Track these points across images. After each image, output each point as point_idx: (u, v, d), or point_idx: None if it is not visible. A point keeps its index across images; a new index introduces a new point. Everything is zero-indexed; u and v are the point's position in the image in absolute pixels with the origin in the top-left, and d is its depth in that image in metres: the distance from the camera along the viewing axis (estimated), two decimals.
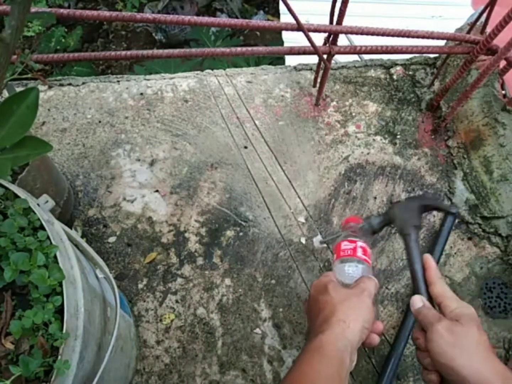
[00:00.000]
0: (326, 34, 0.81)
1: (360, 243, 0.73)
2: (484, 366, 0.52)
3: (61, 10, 0.66)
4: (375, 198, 0.92)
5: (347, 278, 0.69)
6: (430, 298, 0.61)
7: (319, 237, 0.87)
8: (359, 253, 0.72)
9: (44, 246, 0.49)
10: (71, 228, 0.78)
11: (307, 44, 0.76)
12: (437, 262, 0.84)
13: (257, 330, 0.80)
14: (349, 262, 0.71)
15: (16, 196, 0.53)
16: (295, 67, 1.06)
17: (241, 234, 0.88)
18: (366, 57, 1.09)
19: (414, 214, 0.70)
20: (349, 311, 0.59)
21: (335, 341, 0.55)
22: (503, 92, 0.92)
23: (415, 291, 0.64)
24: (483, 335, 0.55)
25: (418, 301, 0.61)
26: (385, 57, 1.06)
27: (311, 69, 1.05)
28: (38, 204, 0.55)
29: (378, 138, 0.98)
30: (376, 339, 0.62)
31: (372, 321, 0.60)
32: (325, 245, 0.86)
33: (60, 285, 0.47)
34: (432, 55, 1.06)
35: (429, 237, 0.89)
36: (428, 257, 0.65)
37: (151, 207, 0.89)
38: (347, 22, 0.76)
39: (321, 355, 0.55)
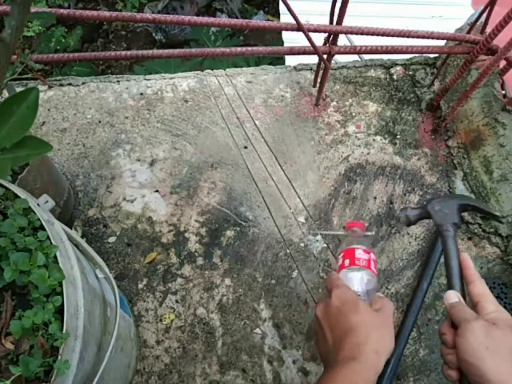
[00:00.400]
0: (326, 34, 0.81)
1: (373, 256, 0.71)
2: (511, 374, 0.51)
3: (61, 10, 0.66)
4: (375, 198, 0.92)
5: (357, 289, 0.66)
6: (464, 297, 0.61)
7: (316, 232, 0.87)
8: (372, 266, 0.70)
9: (44, 246, 0.49)
10: (71, 228, 0.78)
11: (307, 44, 0.76)
12: (438, 262, 0.84)
13: (257, 330, 0.80)
14: (362, 273, 0.68)
15: (16, 196, 0.53)
16: (295, 67, 1.06)
17: (241, 234, 0.88)
18: (366, 57, 1.09)
19: (454, 211, 0.69)
20: (381, 341, 0.58)
21: (367, 373, 0.55)
22: (503, 92, 0.92)
23: (449, 287, 0.63)
24: None
25: (454, 296, 0.60)
26: (385, 57, 1.06)
27: (311, 69, 1.05)
28: (38, 204, 0.55)
29: (378, 138, 0.98)
30: None
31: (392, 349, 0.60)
32: (318, 236, 0.86)
33: (60, 285, 0.47)
34: (432, 55, 1.06)
35: (429, 237, 0.89)
36: (466, 257, 0.64)
37: (151, 207, 0.89)
38: (347, 22, 0.76)
39: None
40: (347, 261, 0.70)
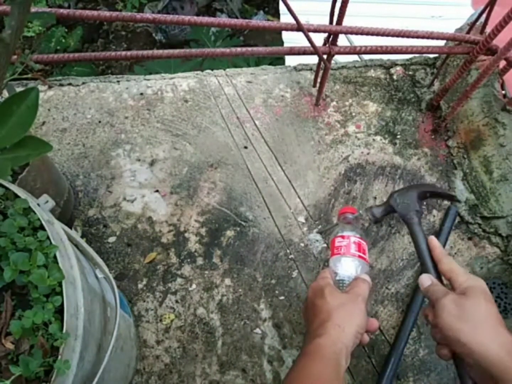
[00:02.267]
0: (326, 34, 0.81)
1: (353, 239, 0.73)
2: (489, 338, 0.52)
3: (61, 10, 0.66)
4: (375, 198, 0.92)
5: (341, 277, 0.69)
6: (439, 276, 0.63)
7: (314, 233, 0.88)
8: (353, 249, 0.72)
9: (44, 246, 0.49)
10: (71, 228, 0.78)
11: (307, 44, 0.76)
12: None
13: (257, 330, 0.80)
14: (343, 260, 0.71)
15: (16, 196, 0.53)
16: (295, 67, 1.06)
17: (241, 234, 0.88)
18: (366, 57, 1.09)
19: (414, 200, 0.72)
20: (344, 316, 0.60)
21: (331, 344, 0.57)
22: (503, 92, 0.92)
23: (423, 270, 0.65)
24: (491, 307, 0.55)
25: (427, 280, 0.62)
26: (385, 57, 1.06)
27: (311, 69, 1.05)
28: (38, 204, 0.55)
29: (378, 138, 0.98)
30: (366, 338, 0.64)
31: (365, 325, 0.62)
32: (318, 236, 0.87)
33: (60, 285, 0.47)
34: (432, 55, 1.06)
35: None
36: (432, 238, 0.66)
37: (151, 207, 0.89)
38: (347, 22, 0.76)
39: (320, 357, 0.56)
40: (330, 252, 0.74)
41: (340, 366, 0.56)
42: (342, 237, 0.73)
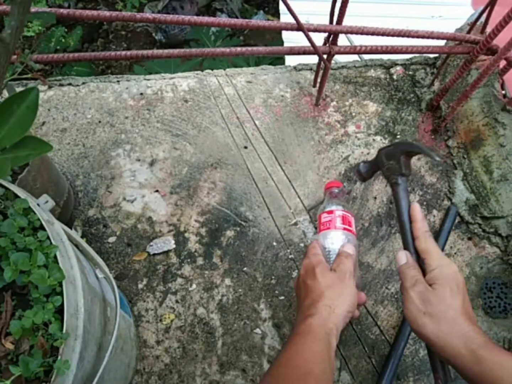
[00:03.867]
0: (326, 34, 0.81)
1: (338, 212, 0.73)
2: (451, 331, 0.53)
3: (61, 10, 0.66)
4: (375, 198, 0.92)
5: (329, 250, 0.71)
6: (417, 252, 0.62)
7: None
8: (338, 223, 0.73)
9: (44, 246, 0.49)
10: (71, 228, 0.78)
11: (307, 44, 0.76)
12: None
13: (257, 330, 0.80)
14: (329, 234, 0.72)
15: (16, 196, 0.53)
16: (295, 67, 1.06)
17: (241, 234, 0.88)
18: (366, 57, 1.09)
19: (400, 160, 0.67)
20: (334, 297, 0.62)
21: (323, 325, 0.59)
22: (503, 92, 0.92)
23: (403, 244, 0.64)
24: (455, 298, 0.55)
25: (402, 258, 0.62)
26: (385, 57, 1.06)
27: (311, 69, 1.05)
28: (38, 204, 0.55)
29: (378, 138, 0.98)
30: (357, 313, 0.66)
31: (355, 302, 0.63)
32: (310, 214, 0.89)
33: (60, 285, 0.47)
34: (432, 55, 1.06)
35: None
36: (415, 208, 0.64)
37: (151, 207, 0.89)
38: (347, 22, 0.76)
39: (312, 336, 0.58)
40: (317, 228, 0.76)
41: (331, 345, 0.58)
42: (327, 212, 0.75)
